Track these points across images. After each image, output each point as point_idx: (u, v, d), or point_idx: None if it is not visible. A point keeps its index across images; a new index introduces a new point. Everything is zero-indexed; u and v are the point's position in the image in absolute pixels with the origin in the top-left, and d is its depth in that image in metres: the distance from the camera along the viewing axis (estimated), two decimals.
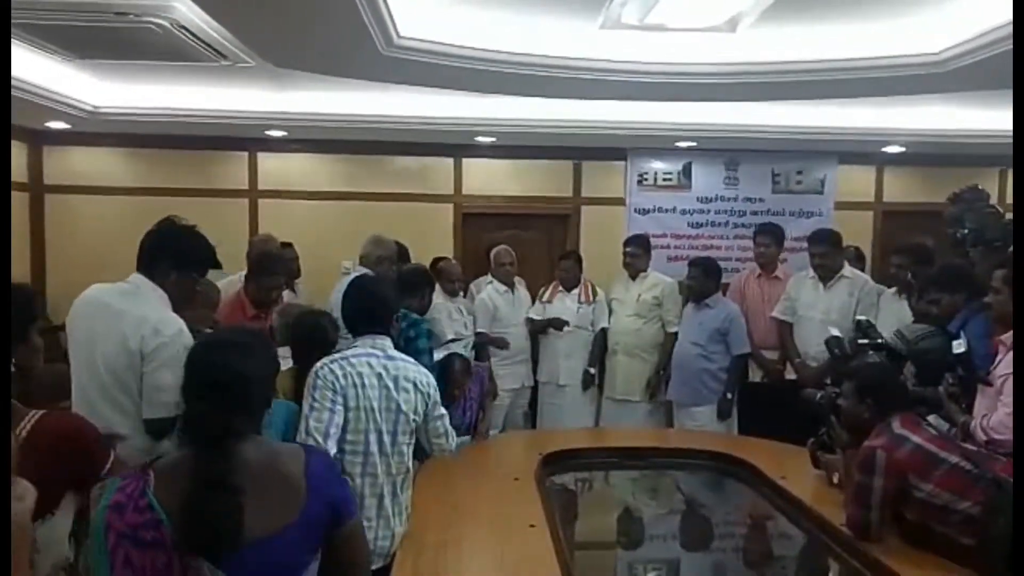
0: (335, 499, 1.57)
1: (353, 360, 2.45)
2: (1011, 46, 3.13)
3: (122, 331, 2.30)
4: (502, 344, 4.80)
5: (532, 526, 2.60)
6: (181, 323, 2.38)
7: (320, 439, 2.32)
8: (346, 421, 2.39)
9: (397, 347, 3.19)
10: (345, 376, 2.41)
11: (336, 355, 2.49)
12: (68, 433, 1.78)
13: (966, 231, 3.94)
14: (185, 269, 2.46)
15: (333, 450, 2.34)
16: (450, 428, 2.68)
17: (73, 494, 1.78)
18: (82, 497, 1.77)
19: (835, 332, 3.40)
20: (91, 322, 2.38)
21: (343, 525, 1.58)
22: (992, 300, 2.94)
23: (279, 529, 1.48)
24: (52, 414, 1.78)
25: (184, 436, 1.50)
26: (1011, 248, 3.47)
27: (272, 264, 3.86)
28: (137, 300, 2.37)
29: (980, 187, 4.27)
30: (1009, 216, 4.30)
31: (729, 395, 4.59)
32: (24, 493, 1.26)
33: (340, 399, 2.38)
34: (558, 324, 4.90)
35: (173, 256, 2.43)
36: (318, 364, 2.46)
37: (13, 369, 1.74)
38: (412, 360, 2.61)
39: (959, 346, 2.90)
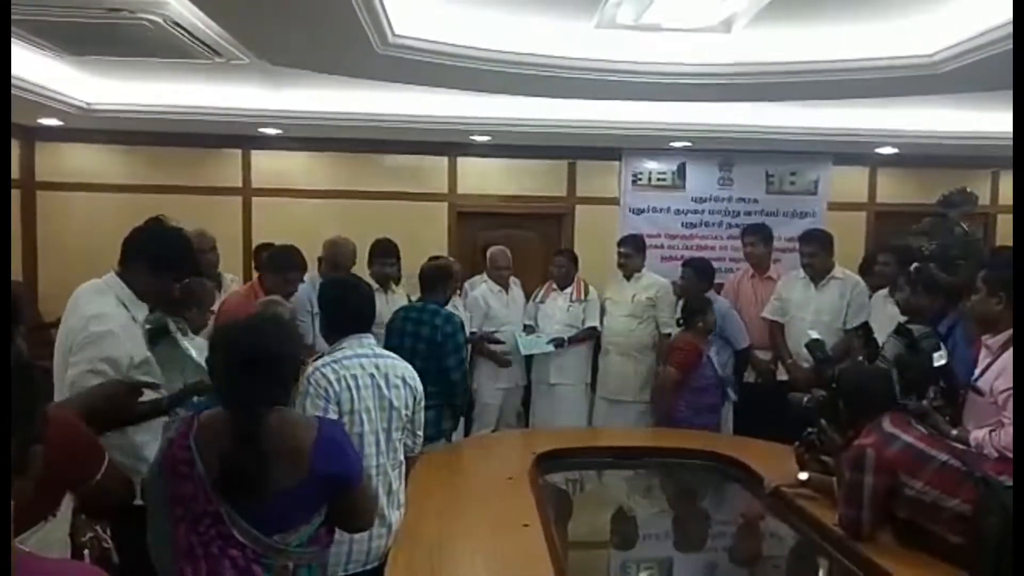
0: (337, 471, 1.82)
1: (345, 363, 2.44)
2: (1004, 48, 3.15)
3: (67, 327, 2.31)
4: (496, 341, 4.82)
5: (525, 525, 2.60)
6: (116, 324, 2.29)
7: None
8: None
9: (434, 343, 3.42)
10: (339, 380, 2.40)
11: (327, 358, 2.47)
12: (64, 435, 1.75)
13: (932, 246, 3.98)
14: (159, 271, 2.41)
15: None
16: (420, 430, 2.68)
17: (69, 495, 1.77)
18: (76, 498, 1.77)
19: (814, 335, 3.40)
20: (65, 318, 2.39)
21: (346, 491, 1.86)
22: (971, 301, 2.93)
23: (285, 489, 1.74)
24: (48, 416, 1.76)
25: (224, 402, 1.79)
26: (972, 268, 3.47)
27: (292, 257, 3.87)
28: (95, 298, 2.34)
29: (969, 190, 4.29)
30: (978, 234, 4.34)
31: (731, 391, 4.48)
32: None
33: (334, 406, 2.37)
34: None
35: (147, 257, 2.39)
36: (310, 368, 2.41)
37: None
38: (397, 356, 2.62)
39: (940, 358, 2.86)
